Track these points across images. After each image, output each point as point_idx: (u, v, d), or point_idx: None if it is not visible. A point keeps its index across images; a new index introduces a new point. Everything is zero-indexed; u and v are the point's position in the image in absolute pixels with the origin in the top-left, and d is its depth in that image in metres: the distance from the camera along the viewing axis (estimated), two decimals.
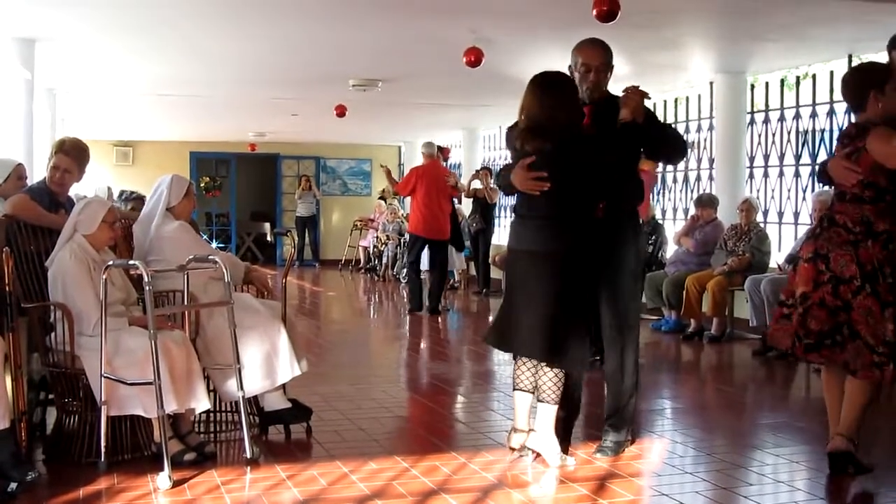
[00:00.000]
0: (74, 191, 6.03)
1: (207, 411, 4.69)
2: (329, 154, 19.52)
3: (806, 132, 9.30)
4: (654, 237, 9.79)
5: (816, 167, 5.29)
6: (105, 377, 4.19)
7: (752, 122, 9.88)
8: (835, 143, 4.44)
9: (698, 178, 10.80)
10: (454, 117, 14.31)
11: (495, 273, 12.63)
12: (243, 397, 4.50)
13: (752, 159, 9.86)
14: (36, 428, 4.70)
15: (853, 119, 4.32)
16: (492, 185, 12.31)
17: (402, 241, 14.63)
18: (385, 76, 10.18)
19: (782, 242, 9.35)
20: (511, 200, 6.08)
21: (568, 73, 4.52)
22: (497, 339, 4.62)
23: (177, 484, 4.04)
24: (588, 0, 6.08)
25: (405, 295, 11.58)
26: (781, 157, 9.49)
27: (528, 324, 4.32)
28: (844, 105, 4.40)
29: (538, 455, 4.39)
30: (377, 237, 16.30)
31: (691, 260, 8.98)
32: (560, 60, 4.83)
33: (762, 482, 4.32)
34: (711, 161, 10.35)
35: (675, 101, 11.48)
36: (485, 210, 13.01)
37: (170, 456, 4.11)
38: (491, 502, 3.92)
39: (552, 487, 4.17)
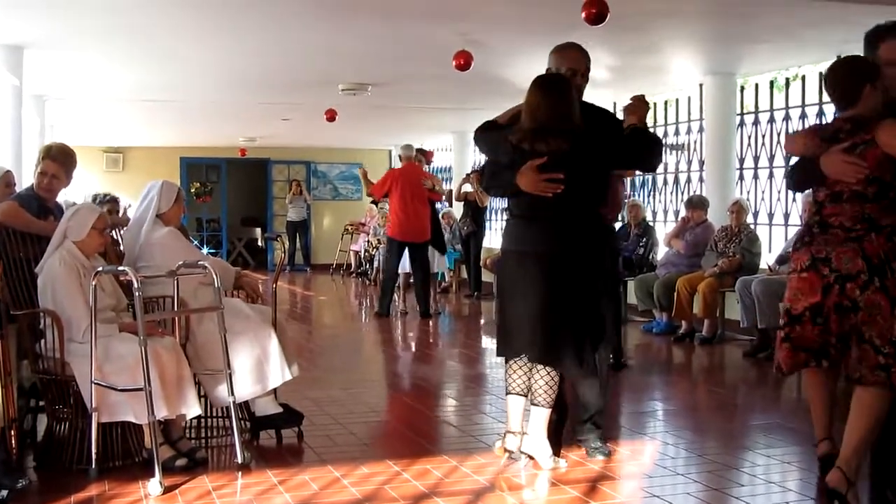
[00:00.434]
0: (63, 197, 6.02)
1: (198, 417, 4.69)
2: (320, 158, 19.52)
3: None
4: (644, 239, 9.83)
5: (787, 171, 4.67)
6: (95, 384, 4.18)
7: (742, 123, 9.91)
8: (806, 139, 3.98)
9: (689, 180, 10.83)
10: (444, 121, 14.30)
11: (486, 276, 12.65)
12: (234, 402, 4.50)
13: (741, 161, 9.89)
14: (26, 435, 4.68)
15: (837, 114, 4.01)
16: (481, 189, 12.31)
17: None
18: (375, 80, 10.19)
19: (772, 244, 9.38)
20: (503, 203, 6.03)
21: None
22: (507, 348, 4.46)
23: (168, 490, 4.04)
24: (577, 3, 6.10)
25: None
26: (771, 158, 9.53)
27: (531, 325, 4.29)
28: (833, 106, 4.08)
29: (531, 458, 4.38)
30: (368, 241, 16.27)
31: (682, 261, 9.00)
32: None
33: (754, 483, 4.33)
34: (702, 163, 10.39)
35: (665, 103, 11.51)
36: (476, 213, 13.01)
37: (161, 462, 4.10)
38: None
39: (544, 490, 4.17)
